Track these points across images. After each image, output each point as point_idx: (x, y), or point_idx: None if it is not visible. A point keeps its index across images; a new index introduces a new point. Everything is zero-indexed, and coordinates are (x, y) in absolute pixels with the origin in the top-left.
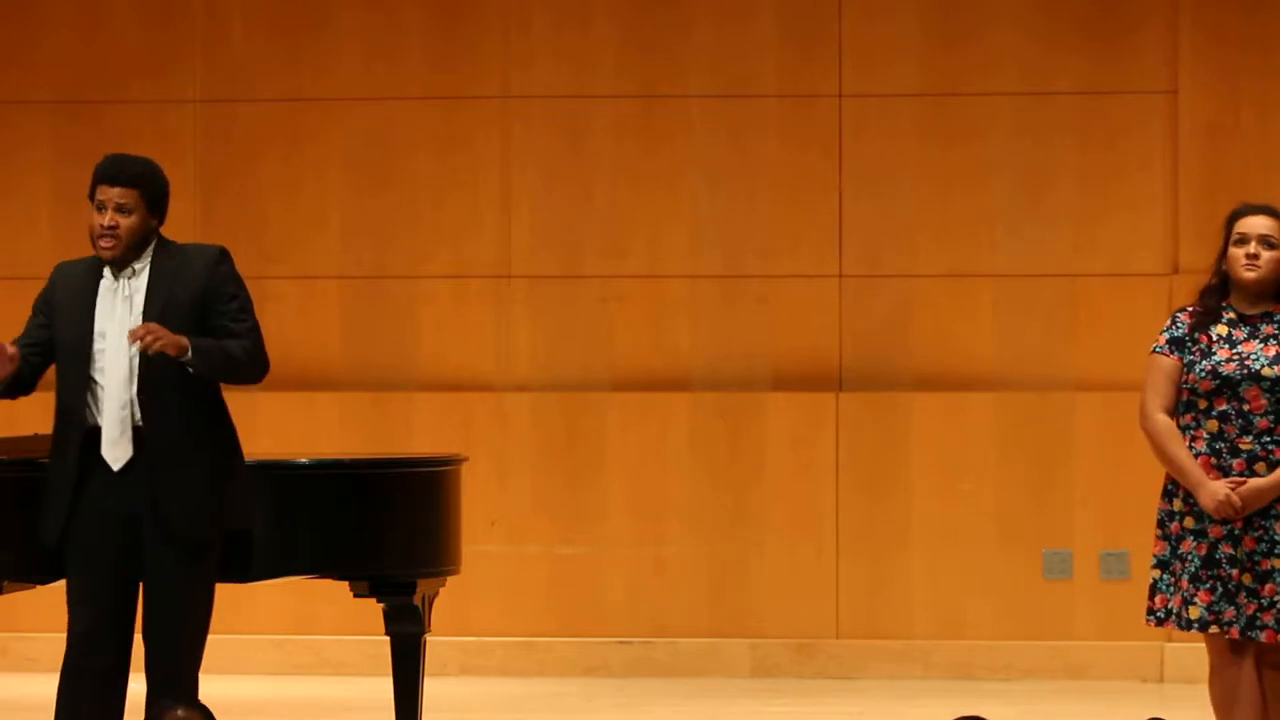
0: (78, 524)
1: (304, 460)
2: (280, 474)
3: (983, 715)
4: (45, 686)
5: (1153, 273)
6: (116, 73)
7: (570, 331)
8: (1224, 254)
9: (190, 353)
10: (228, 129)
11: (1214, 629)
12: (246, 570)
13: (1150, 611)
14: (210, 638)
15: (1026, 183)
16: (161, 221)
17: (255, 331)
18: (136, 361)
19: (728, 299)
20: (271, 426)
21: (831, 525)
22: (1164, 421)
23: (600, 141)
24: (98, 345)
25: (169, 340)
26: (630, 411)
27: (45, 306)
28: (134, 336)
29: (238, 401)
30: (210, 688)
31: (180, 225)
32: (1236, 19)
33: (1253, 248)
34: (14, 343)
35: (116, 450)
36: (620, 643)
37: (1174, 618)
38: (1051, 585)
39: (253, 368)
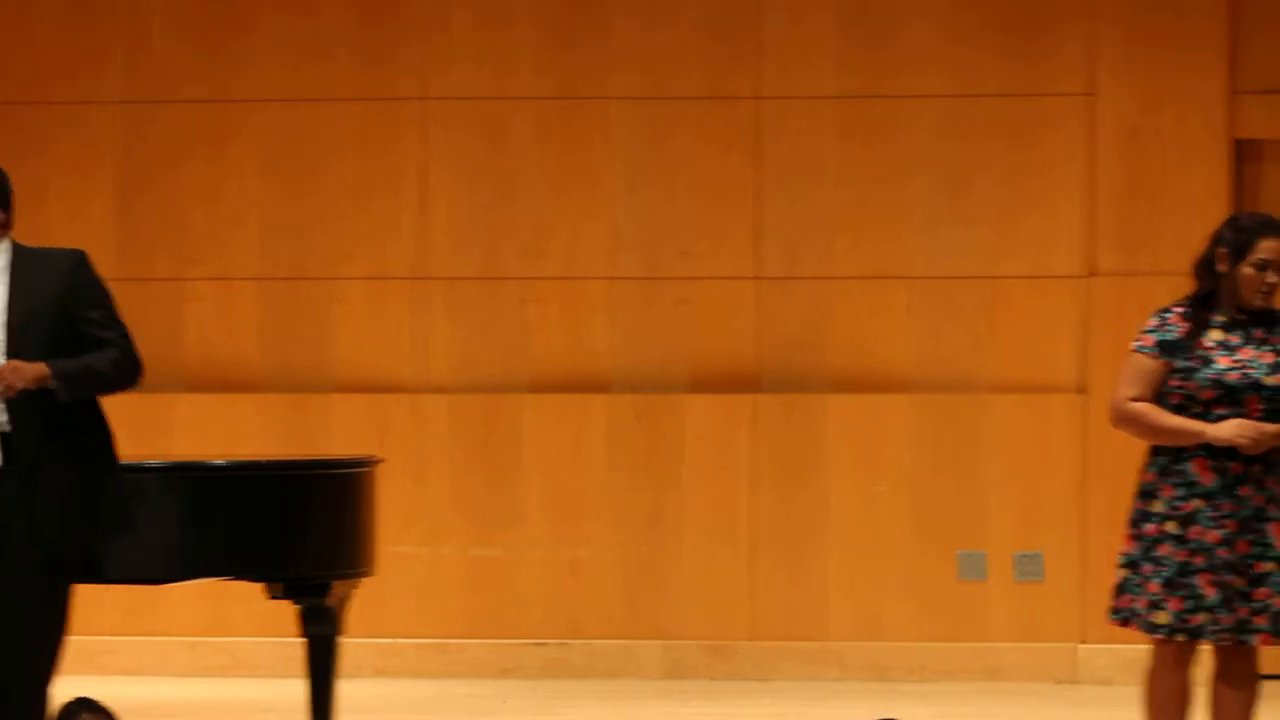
0: None
1: (219, 462)
2: (195, 476)
3: (897, 718)
4: None
5: (1070, 275)
6: (36, 73)
7: (488, 333)
8: (1232, 264)
9: (52, 380)
10: (148, 130)
11: (1180, 637)
12: (162, 571)
13: (1115, 610)
14: (124, 640)
15: (945, 185)
16: (8, 221)
17: (124, 338)
18: (2, 361)
19: (646, 301)
20: (190, 428)
21: (747, 526)
22: (1142, 404)
23: (519, 143)
24: None
25: (28, 379)
26: (548, 413)
27: None
28: None
29: (156, 404)
30: (123, 689)
31: (99, 226)
32: (1156, 20)
33: (1272, 276)
34: None
35: None
36: (535, 644)
37: (1137, 619)
38: (966, 586)
39: (122, 378)
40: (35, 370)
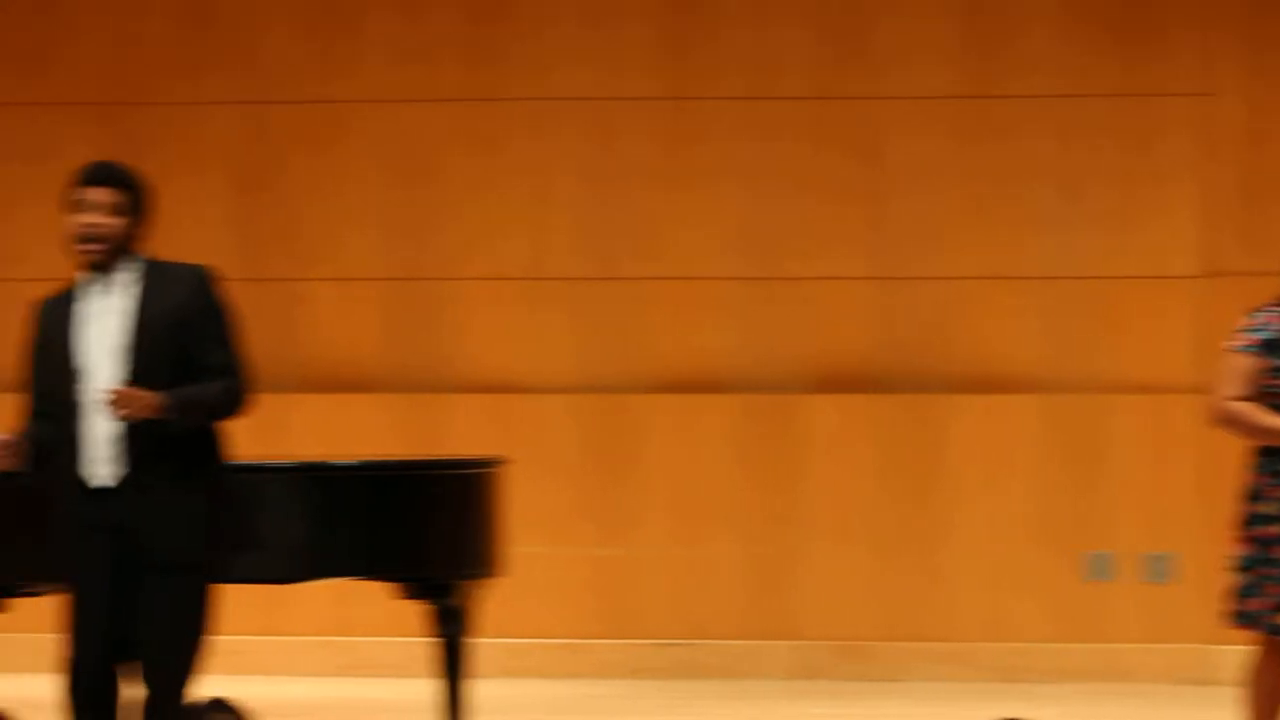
0: (67, 539)
1: (348, 462)
2: (322, 476)
3: (1023, 718)
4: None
5: (1188, 275)
6: (150, 74)
7: (607, 332)
8: None
9: (169, 411)
10: (262, 130)
11: None
12: (289, 572)
13: (1238, 614)
14: (252, 639)
15: (1063, 185)
16: (142, 235)
17: (239, 364)
18: (124, 378)
19: (765, 301)
20: (307, 429)
21: (872, 527)
22: (1243, 404)
23: (631, 143)
24: (77, 361)
25: (146, 406)
26: (668, 413)
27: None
28: (111, 407)
29: (273, 404)
30: (252, 689)
31: (215, 227)
32: (1271, 22)
33: None
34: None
35: (99, 468)
36: (662, 644)
37: (1262, 621)
38: (1092, 587)
39: (233, 408)
40: (152, 400)
